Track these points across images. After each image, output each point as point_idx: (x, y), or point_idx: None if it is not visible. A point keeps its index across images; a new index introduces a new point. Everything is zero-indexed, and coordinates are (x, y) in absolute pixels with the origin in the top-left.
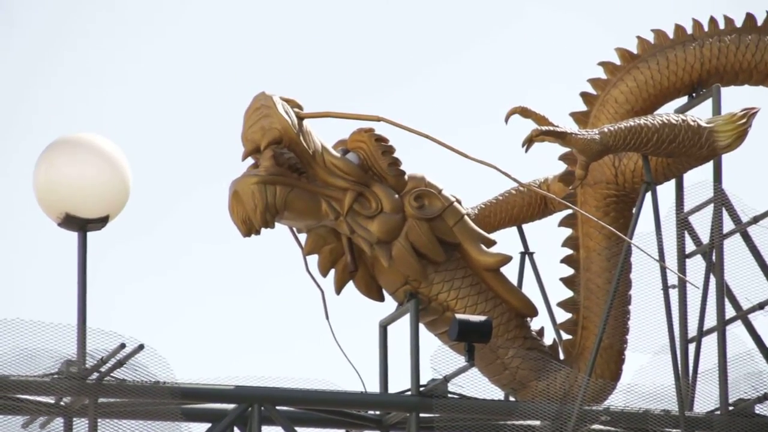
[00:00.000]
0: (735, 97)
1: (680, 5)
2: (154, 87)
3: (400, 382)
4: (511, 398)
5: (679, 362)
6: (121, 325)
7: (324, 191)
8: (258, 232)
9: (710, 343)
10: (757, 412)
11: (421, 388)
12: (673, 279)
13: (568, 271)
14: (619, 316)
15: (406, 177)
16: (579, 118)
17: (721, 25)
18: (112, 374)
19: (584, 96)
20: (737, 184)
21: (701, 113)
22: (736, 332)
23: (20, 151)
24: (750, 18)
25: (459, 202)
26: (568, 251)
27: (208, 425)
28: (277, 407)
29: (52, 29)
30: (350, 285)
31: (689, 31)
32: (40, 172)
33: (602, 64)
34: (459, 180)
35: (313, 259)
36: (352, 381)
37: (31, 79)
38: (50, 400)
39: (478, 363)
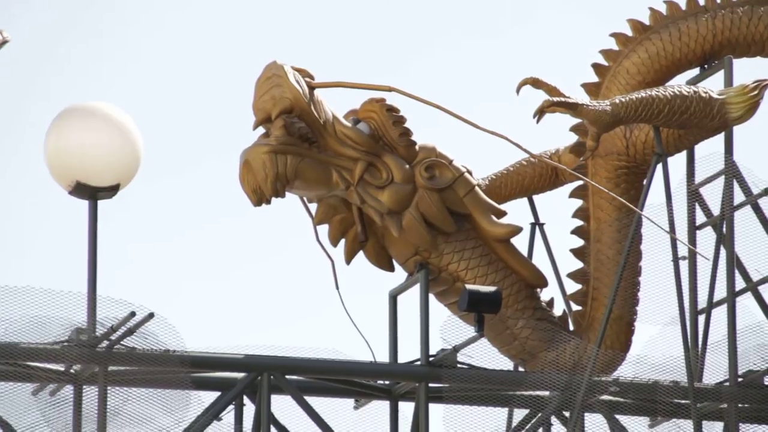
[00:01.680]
0: (747, 69)
1: None
2: (165, 55)
3: (409, 352)
4: (521, 369)
5: (688, 333)
6: (131, 293)
7: (335, 161)
8: (268, 202)
9: (720, 314)
10: (766, 383)
11: (431, 358)
12: (683, 250)
13: (579, 242)
14: (629, 288)
15: (416, 147)
16: (590, 89)
17: None
18: (122, 342)
19: (596, 67)
20: (748, 155)
21: (713, 85)
22: (746, 304)
23: (31, 119)
24: None
25: (470, 172)
26: (579, 222)
27: (217, 394)
28: (287, 376)
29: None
30: (360, 255)
31: (701, 2)
32: (50, 140)
33: (614, 35)
34: (470, 151)
35: (324, 229)
36: (361, 351)
37: (43, 47)
38: (60, 367)
39: (487, 333)
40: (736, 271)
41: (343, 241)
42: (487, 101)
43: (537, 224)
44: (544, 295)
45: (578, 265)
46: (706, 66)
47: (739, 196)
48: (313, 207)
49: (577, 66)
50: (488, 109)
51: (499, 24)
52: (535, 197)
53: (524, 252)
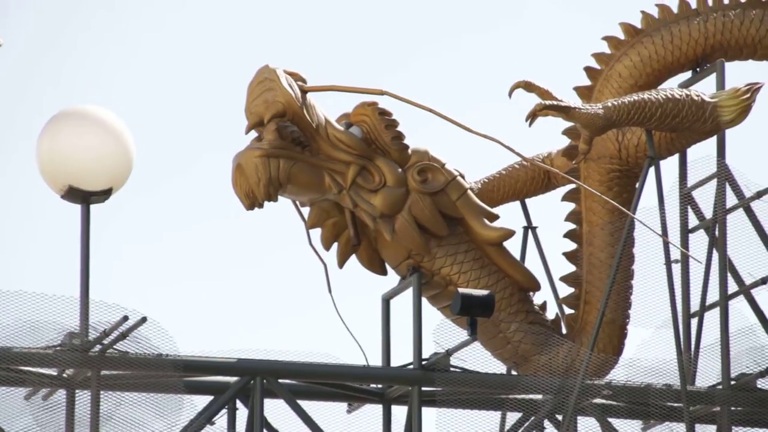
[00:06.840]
0: (739, 72)
1: None
2: (158, 59)
3: (402, 355)
4: (513, 372)
5: (681, 337)
6: (123, 297)
7: (327, 165)
8: (261, 206)
9: (712, 317)
10: (759, 386)
11: (424, 362)
12: (675, 254)
13: (571, 245)
14: (622, 291)
15: (409, 151)
16: (583, 92)
17: (726, 0)
18: (114, 347)
19: (588, 70)
20: (741, 159)
21: (705, 88)
22: (739, 307)
23: (24, 122)
24: None
25: (462, 176)
26: (571, 226)
27: (210, 398)
28: (280, 380)
29: (57, 1)
30: (353, 259)
31: (693, 5)
32: (43, 144)
33: (606, 38)
34: (462, 154)
35: (316, 233)
36: (354, 354)
37: (35, 51)
38: (53, 372)
39: (480, 337)
40: (729, 275)
41: (335, 245)
42: (481, 103)
43: (530, 228)
44: (537, 298)
45: (571, 268)
46: (698, 69)
47: (731, 200)
48: (306, 211)
49: (571, 66)
50: (481, 112)
51: (491, 23)
52: (528, 201)
53: (517, 255)
